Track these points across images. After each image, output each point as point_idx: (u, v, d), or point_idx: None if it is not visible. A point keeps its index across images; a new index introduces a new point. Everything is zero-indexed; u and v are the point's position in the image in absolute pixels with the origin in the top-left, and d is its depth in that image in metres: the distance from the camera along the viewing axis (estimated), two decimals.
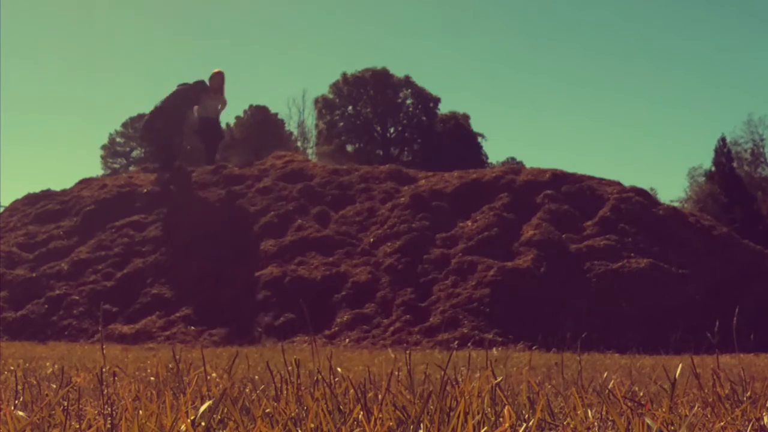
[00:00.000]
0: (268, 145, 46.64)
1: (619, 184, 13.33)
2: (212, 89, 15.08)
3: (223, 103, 15.41)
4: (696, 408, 2.48)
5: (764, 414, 2.28)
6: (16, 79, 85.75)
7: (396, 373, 3.21)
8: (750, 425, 2.16)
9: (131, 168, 57.11)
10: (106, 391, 2.69)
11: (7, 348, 7.97)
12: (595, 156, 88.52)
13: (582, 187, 12.99)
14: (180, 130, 14.89)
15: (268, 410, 2.28)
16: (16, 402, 2.73)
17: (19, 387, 2.97)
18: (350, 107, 60.49)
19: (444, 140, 56.76)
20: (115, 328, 10.84)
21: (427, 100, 60.43)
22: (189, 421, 1.97)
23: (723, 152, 52.31)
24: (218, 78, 15.22)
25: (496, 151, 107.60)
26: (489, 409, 2.32)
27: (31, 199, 14.96)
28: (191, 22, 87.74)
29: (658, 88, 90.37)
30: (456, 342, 9.39)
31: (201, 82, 14.95)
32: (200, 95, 14.82)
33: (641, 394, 3.14)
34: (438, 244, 11.74)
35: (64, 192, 15.06)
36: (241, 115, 60.67)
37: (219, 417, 2.26)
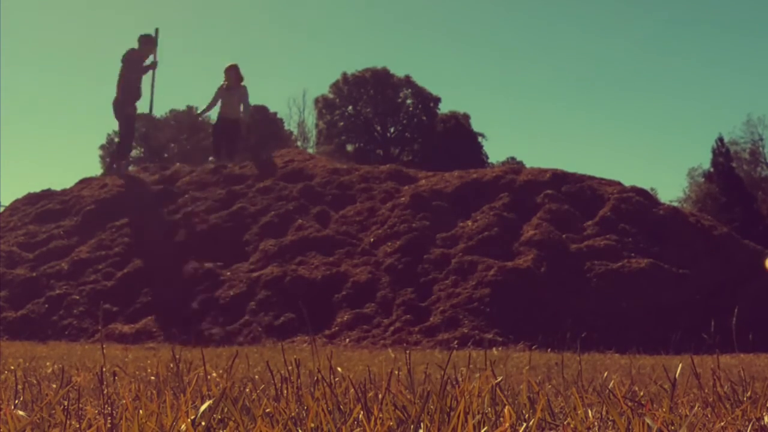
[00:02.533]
0: (267, 145, 46.64)
1: (619, 184, 13.33)
2: (227, 85, 15.14)
3: (246, 105, 15.35)
4: (696, 408, 2.48)
5: (764, 414, 2.28)
6: (16, 79, 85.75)
7: (396, 372, 3.21)
8: (750, 425, 2.16)
9: (131, 168, 57.06)
10: (106, 390, 2.69)
11: (7, 347, 7.97)
12: (595, 156, 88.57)
13: (582, 186, 12.99)
14: (134, 99, 14.65)
15: (268, 410, 2.28)
16: (17, 401, 2.73)
17: (20, 386, 2.97)
18: (350, 107, 60.51)
19: (444, 140, 56.78)
20: (115, 327, 10.84)
21: (427, 100, 60.44)
22: (189, 420, 1.97)
23: (721, 152, 52.31)
24: (232, 72, 15.23)
25: (496, 151, 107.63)
26: (489, 409, 2.32)
27: (31, 199, 14.96)
28: (190, 21, 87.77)
29: (657, 88, 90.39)
30: (456, 342, 9.39)
31: (142, 37, 14.70)
32: (144, 52, 14.62)
33: (641, 394, 3.14)
34: (438, 243, 11.74)
35: (64, 192, 15.05)
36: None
37: (219, 416, 2.26)
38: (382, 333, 10.12)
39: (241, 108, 15.37)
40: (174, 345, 8.82)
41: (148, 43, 14.67)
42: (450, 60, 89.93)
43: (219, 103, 15.33)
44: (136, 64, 14.48)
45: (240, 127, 15.87)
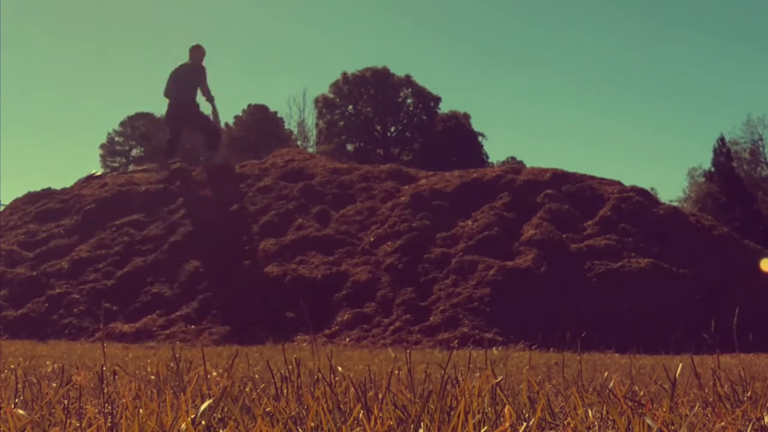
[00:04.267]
0: (267, 144, 46.67)
1: (619, 183, 13.33)
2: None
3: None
4: (696, 408, 2.48)
5: (765, 414, 2.28)
6: (16, 78, 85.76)
7: (396, 372, 3.21)
8: (750, 425, 2.16)
9: (131, 167, 57.06)
10: (106, 389, 2.69)
11: (7, 346, 7.97)
12: (595, 156, 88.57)
13: (582, 186, 12.98)
14: (189, 119, 14.66)
15: (268, 409, 2.28)
16: (17, 400, 2.73)
17: (20, 385, 2.97)
18: (350, 106, 60.47)
19: (444, 139, 56.75)
20: (115, 326, 10.84)
21: (427, 100, 60.40)
22: (189, 419, 1.97)
23: (722, 152, 52.29)
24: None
25: (496, 151, 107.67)
26: (489, 409, 2.32)
27: (31, 198, 14.96)
28: (190, 20, 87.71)
29: (658, 87, 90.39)
30: (456, 341, 9.38)
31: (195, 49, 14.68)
32: (193, 61, 14.57)
33: (641, 393, 3.14)
34: (438, 243, 11.74)
35: (64, 191, 15.06)
36: (240, 114, 60.67)
37: (219, 416, 2.26)
38: (382, 332, 10.12)
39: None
40: (174, 344, 8.82)
41: (197, 52, 14.68)
42: (450, 60, 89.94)
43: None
44: (186, 74, 14.48)
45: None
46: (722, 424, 2.18)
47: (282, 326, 10.40)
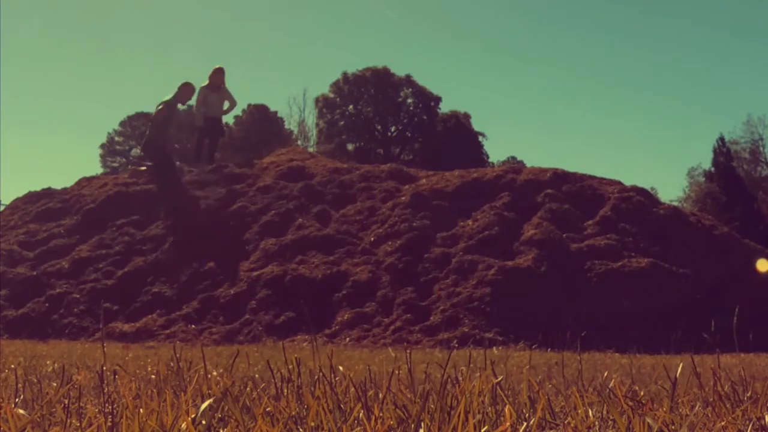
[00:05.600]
0: (268, 144, 46.67)
1: (619, 183, 13.32)
2: (213, 86, 15.00)
3: (231, 102, 15.30)
4: (697, 407, 2.48)
5: (765, 413, 2.28)
6: (16, 78, 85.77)
7: (396, 371, 3.21)
8: (751, 425, 2.16)
9: (131, 167, 56.98)
10: (106, 389, 2.69)
11: (7, 346, 7.97)
12: (595, 155, 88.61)
13: (583, 186, 12.98)
14: (168, 136, 14.88)
15: (268, 409, 2.28)
16: (17, 400, 2.73)
17: (20, 385, 2.97)
18: (351, 106, 60.44)
19: (445, 139, 56.76)
20: (115, 326, 10.84)
21: (427, 99, 60.38)
22: (190, 419, 1.97)
23: (722, 152, 52.24)
24: (219, 74, 15.11)
25: (496, 150, 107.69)
26: (490, 408, 2.32)
27: (31, 198, 14.96)
28: (191, 20, 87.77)
29: (658, 87, 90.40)
30: (456, 341, 9.38)
31: (185, 85, 14.90)
32: (187, 96, 14.78)
33: (642, 393, 3.14)
34: (439, 243, 11.74)
35: (64, 190, 15.06)
36: (240, 114, 60.69)
37: (220, 415, 2.26)
38: (383, 332, 10.12)
39: (226, 105, 15.28)
40: (174, 343, 8.82)
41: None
42: (450, 59, 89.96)
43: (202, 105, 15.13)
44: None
45: (222, 126, 16.14)
46: (722, 423, 2.18)
47: (282, 326, 10.40)
